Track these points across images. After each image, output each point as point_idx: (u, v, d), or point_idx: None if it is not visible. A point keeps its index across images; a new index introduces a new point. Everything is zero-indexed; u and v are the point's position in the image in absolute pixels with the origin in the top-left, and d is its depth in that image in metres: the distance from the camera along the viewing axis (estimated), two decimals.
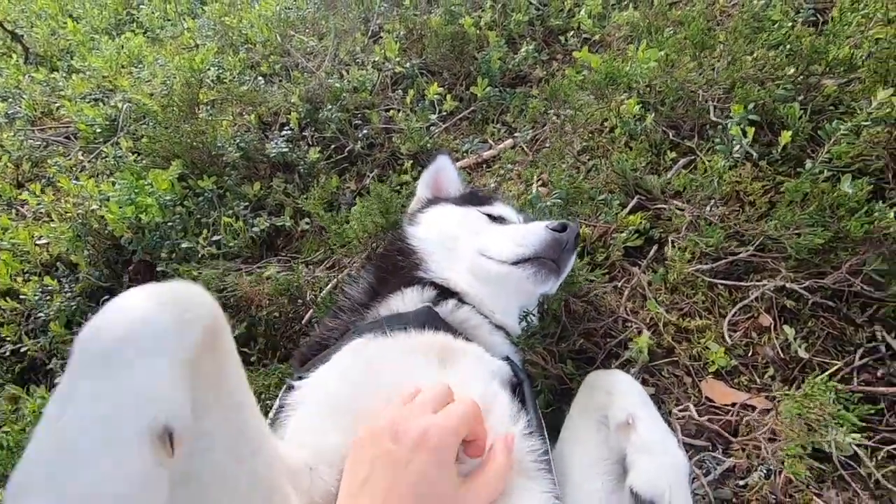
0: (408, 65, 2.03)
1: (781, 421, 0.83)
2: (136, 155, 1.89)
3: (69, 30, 3.12)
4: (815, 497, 0.82)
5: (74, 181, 1.71)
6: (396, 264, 1.06)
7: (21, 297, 1.55)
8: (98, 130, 2.19)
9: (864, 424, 0.88)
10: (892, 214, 0.99)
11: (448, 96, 1.88)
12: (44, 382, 1.48)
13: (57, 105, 2.42)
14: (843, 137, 1.20)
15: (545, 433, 0.83)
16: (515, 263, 0.97)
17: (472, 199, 1.26)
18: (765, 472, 0.85)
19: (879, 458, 0.85)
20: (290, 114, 1.90)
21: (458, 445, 0.66)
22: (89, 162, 1.99)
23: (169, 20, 3.33)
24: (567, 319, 1.07)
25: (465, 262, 1.03)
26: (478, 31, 2.02)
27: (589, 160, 1.53)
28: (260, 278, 1.36)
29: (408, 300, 0.98)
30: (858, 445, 0.86)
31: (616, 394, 0.87)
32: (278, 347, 1.29)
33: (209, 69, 2.30)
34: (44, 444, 0.40)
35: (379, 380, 0.79)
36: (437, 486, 0.62)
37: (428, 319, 0.92)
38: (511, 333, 1.02)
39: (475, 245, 1.04)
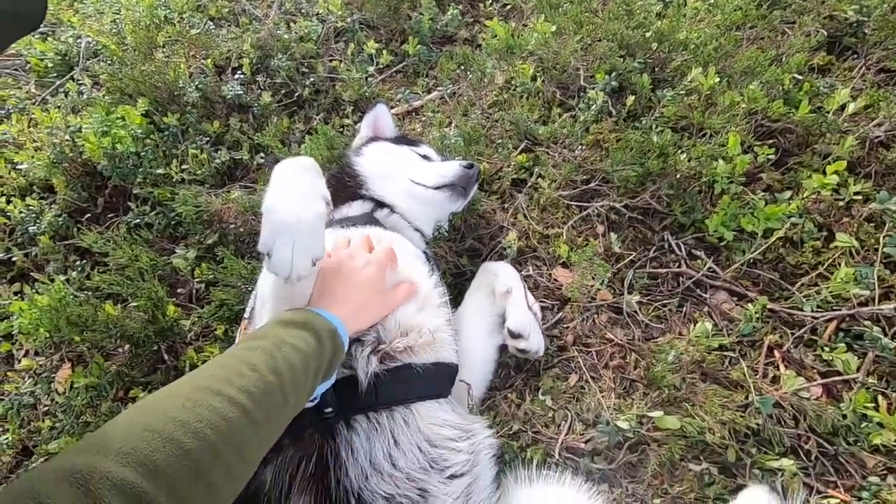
0: (349, 20, 2.29)
1: (587, 286, 1.31)
2: (98, 90, 2.07)
3: None
4: (608, 332, 1.32)
5: (44, 113, 1.89)
6: (345, 184, 1.43)
7: (7, 214, 1.77)
8: (50, 65, 2.31)
9: (646, 291, 1.39)
10: (682, 157, 1.47)
11: (384, 51, 2.18)
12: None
13: None
14: (669, 102, 1.66)
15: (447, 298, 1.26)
16: (437, 188, 1.38)
17: (404, 140, 1.63)
18: (581, 319, 1.34)
19: (650, 310, 1.36)
20: (242, 59, 2.13)
21: (387, 265, 1.08)
22: (51, 95, 2.14)
23: None
24: (465, 229, 1.50)
25: (400, 185, 1.41)
26: None
27: (497, 112, 1.92)
28: (227, 199, 1.67)
29: (354, 208, 1.37)
30: (640, 303, 1.36)
31: (500, 274, 1.35)
32: (245, 253, 1.63)
33: (157, 7, 2.43)
34: (276, 195, 0.87)
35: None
36: (379, 283, 1.03)
37: (369, 220, 1.32)
38: (425, 236, 1.44)
39: (409, 175, 1.42)
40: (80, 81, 2.13)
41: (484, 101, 1.93)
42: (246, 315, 1.17)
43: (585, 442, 1.14)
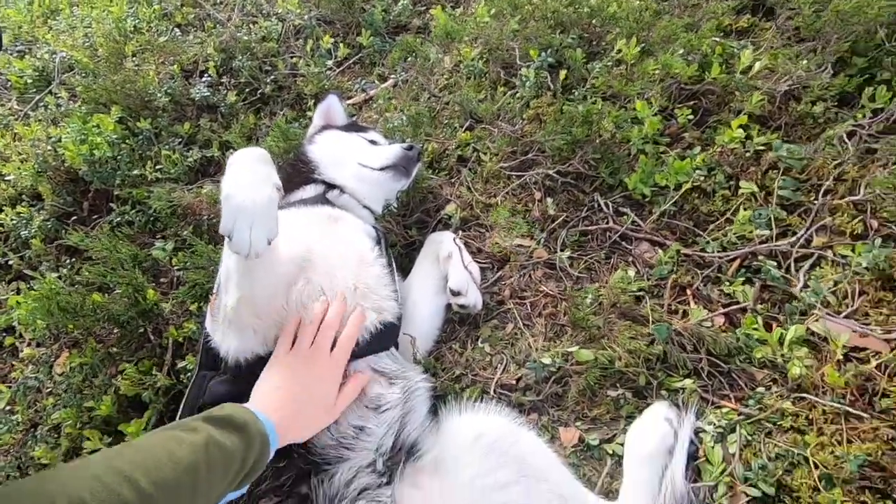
0: (306, 17, 2.42)
1: (510, 243, 1.46)
2: (75, 102, 2.21)
3: None
4: (542, 285, 1.47)
5: (26, 127, 2.04)
6: (300, 170, 1.57)
7: (1, 222, 1.93)
8: (29, 81, 2.45)
9: (578, 247, 1.54)
10: (604, 123, 1.60)
11: (342, 44, 2.30)
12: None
13: None
14: (598, 73, 1.79)
15: (394, 265, 1.41)
16: (382, 169, 1.53)
17: (354, 127, 1.77)
18: (518, 276, 1.49)
19: (581, 264, 1.51)
20: (207, 62, 2.27)
21: (342, 371, 1.10)
22: (32, 110, 2.28)
23: None
24: (413, 204, 1.65)
25: (350, 169, 1.56)
26: None
27: (447, 94, 2.05)
28: (199, 193, 1.82)
29: (308, 191, 1.52)
30: (571, 258, 1.51)
31: (444, 242, 1.50)
32: (217, 240, 1.78)
33: (125, 19, 2.56)
34: (232, 183, 1.00)
35: (294, 233, 1.25)
36: (327, 400, 1.04)
37: (321, 200, 1.47)
38: (374, 213, 1.59)
39: (357, 159, 1.57)
40: (58, 95, 2.27)
41: (434, 86, 2.06)
42: (214, 290, 1.33)
43: (517, 379, 1.30)
